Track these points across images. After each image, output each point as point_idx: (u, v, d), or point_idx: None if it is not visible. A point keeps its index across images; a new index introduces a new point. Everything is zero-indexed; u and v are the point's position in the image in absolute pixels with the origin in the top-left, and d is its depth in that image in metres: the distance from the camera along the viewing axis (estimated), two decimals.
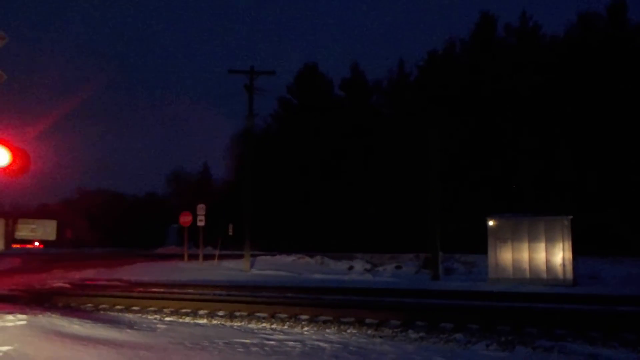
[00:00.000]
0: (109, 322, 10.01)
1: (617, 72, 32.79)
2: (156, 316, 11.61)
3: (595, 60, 33.71)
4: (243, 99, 26.99)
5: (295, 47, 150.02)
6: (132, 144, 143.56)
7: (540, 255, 18.78)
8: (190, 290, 16.58)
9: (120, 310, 12.49)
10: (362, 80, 48.75)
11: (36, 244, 55.43)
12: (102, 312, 12.32)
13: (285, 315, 11.26)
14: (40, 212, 65.74)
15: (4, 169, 8.04)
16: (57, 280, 20.09)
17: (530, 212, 20.49)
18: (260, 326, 10.33)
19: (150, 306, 12.68)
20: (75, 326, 9.27)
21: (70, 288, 17.34)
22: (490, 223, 19.72)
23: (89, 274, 23.40)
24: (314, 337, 8.88)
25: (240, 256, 26.82)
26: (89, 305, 13.25)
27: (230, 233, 29.15)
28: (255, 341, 8.35)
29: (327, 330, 9.86)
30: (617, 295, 14.16)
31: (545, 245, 18.77)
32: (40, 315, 10.05)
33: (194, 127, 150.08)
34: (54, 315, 10.27)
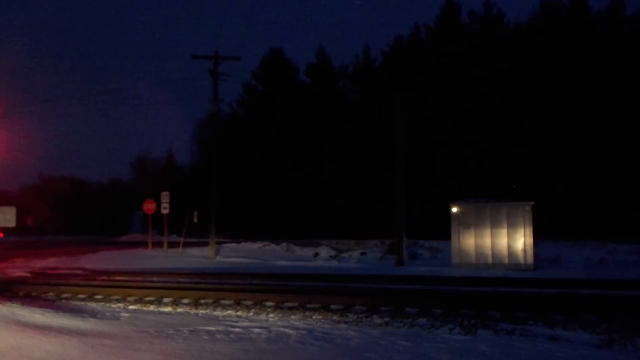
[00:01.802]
0: (71, 311, 9.89)
1: (580, 59, 33.35)
2: (120, 305, 11.50)
3: (558, 47, 34.22)
4: (208, 84, 26.64)
5: (261, 32, 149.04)
6: (95, 129, 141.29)
7: (502, 240, 19.08)
8: (155, 278, 16.45)
9: (83, 299, 12.34)
10: (328, 65, 48.60)
11: None
12: (64, 301, 12.15)
13: (250, 302, 11.25)
14: None
15: None
16: (18, 269, 19.72)
17: (493, 198, 20.79)
18: (225, 313, 10.31)
19: (114, 295, 12.54)
20: (36, 315, 9.14)
21: (32, 277, 17.04)
22: (454, 209, 19.95)
23: (51, 262, 23.04)
24: (279, 323, 8.90)
25: (206, 244, 26.69)
26: (51, 294, 13.05)
27: (195, 220, 28.96)
28: (220, 328, 8.33)
29: (293, 317, 9.89)
30: (578, 279, 14.48)
31: (507, 231, 19.08)
32: (0, 305, 9.88)
33: (159, 113, 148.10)
34: (14, 305, 10.12)
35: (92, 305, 11.31)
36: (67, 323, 8.63)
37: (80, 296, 12.68)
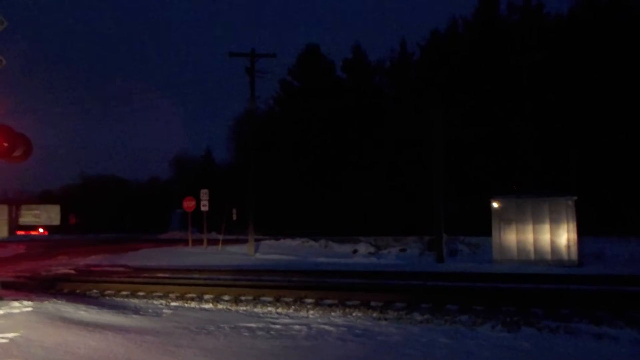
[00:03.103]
0: (114, 307, 10.04)
1: (621, 50, 32.56)
2: (162, 301, 11.63)
3: (598, 38, 33.46)
4: (245, 82, 26.77)
5: (297, 29, 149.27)
6: (135, 129, 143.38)
7: (545, 236, 18.74)
8: (195, 275, 16.61)
9: (126, 296, 12.51)
10: (364, 61, 48.46)
11: (40, 230, 55.62)
12: (107, 297, 12.35)
13: (290, 299, 11.26)
14: (43, 199, 65.88)
15: (6, 155, 8.00)
16: (62, 266, 20.15)
17: (535, 192, 20.41)
18: (265, 310, 10.34)
19: (156, 291, 12.70)
20: (81, 312, 9.30)
21: (76, 274, 17.39)
22: (494, 204, 19.67)
23: (93, 260, 23.48)
24: (319, 320, 8.89)
25: (245, 241, 26.84)
26: (95, 291, 13.28)
27: (234, 218, 29.16)
28: (261, 325, 8.37)
29: (333, 314, 9.87)
30: (623, 275, 14.16)
31: (550, 226, 18.72)
32: (46, 302, 10.08)
33: (197, 111, 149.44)
34: (59, 302, 10.30)
35: (135, 301, 11.47)
36: (111, 319, 8.77)
37: (123, 293, 12.86)
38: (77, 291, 13.31)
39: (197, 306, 11.00)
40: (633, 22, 34.00)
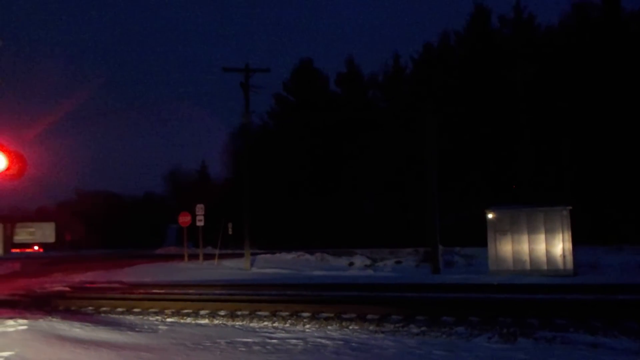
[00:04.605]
0: (110, 324, 9.99)
1: (613, 61, 32.77)
2: (157, 317, 11.59)
3: (590, 49, 33.70)
4: (240, 97, 26.88)
5: (291, 43, 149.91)
6: (129, 144, 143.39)
7: (540, 246, 18.77)
8: (191, 291, 16.54)
9: (121, 313, 12.46)
10: (357, 75, 48.72)
11: (36, 247, 55.43)
12: (103, 314, 12.29)
13: (286, 313, 11.24)
14: (39, 215, 65.72)
15: (1, 173, 7.98)
16: (57, 283, 20.04)
17: (530, 203, 20.47)
18: (261, 325, 10.31)
19: (152, 307, 12.65)
20: (76, 329, 9.25)
21: (71, 291, 17.30)
22: (489, 215, 19.69)
23: (89, 276, 23.36)
24: (315, 334, 8.86)
25: (241, 255, 26.76)
26: (90, 308, 13.22)
27: (230, 232, 29.10)
28: (257, 340, 8.34)
29: (329, 327, 9.85)
30: (618, 284, 14.17)
31: (545, 236, 18.75)
32: (40, 320, 10.03)
33: (191, 126, 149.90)
34: (54, 319, 10.25)
35: (130, 318, 11.41)
36: (106, 336, 8.72)
37: (119, 309, 12.81)
38: (72, 308, 13.23)
39: (193, 322, 10.96)
40: (624, 32, 34.26)
